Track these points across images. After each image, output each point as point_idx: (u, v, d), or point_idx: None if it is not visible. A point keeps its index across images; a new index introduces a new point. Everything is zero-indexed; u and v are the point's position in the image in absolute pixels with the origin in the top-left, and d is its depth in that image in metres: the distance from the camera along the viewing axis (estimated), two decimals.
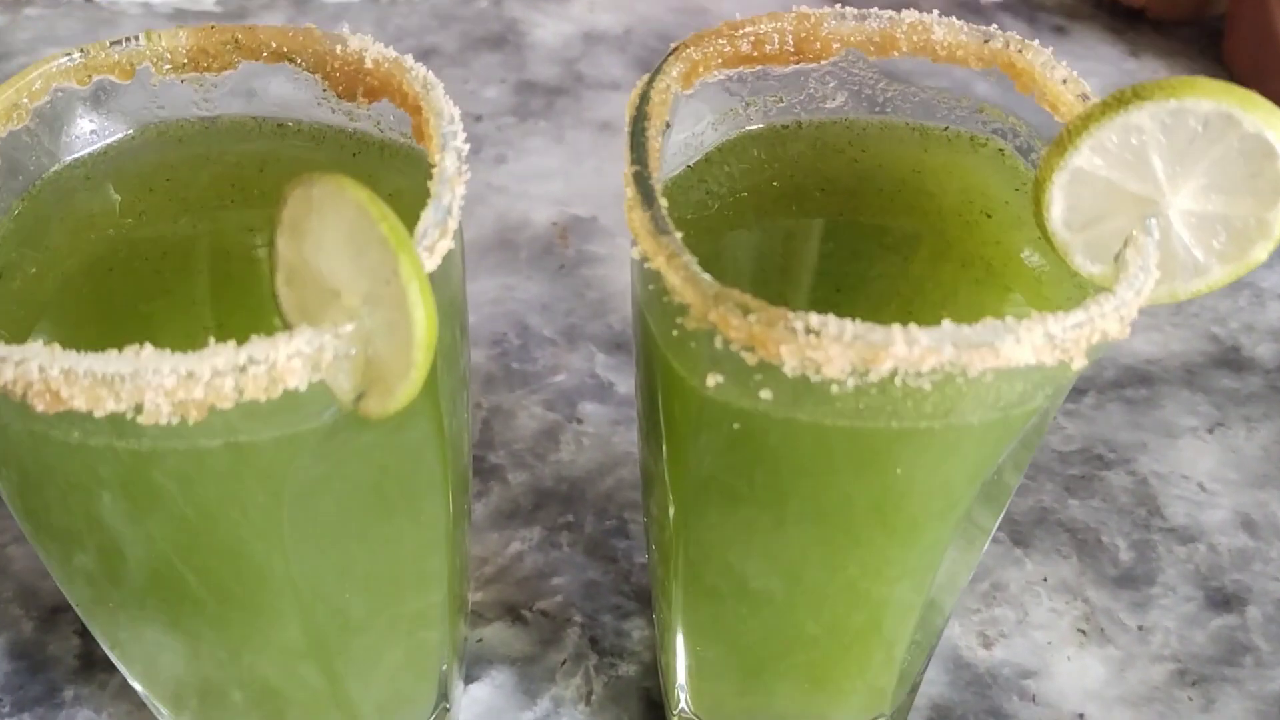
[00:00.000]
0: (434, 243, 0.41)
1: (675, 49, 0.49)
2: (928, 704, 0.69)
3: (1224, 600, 0.75)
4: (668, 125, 0.49)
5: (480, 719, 0.69)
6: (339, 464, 0.43)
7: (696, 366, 0.42)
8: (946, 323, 0.39)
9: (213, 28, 0.49)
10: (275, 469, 0.42)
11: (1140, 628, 0.73)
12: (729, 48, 0.50)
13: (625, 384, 0.86)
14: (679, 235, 0.42)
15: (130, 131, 0.51)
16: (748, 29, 0.50)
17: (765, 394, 0.41)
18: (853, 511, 0.47)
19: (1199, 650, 0.72)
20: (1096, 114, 0.42)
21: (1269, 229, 0.43)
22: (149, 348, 0.37)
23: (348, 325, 0.39)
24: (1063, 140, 0.43)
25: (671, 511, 0.50)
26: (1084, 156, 0.42)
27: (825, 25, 0.51)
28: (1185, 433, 0.85)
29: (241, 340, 0.37)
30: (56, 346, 0.37)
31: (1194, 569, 0.76)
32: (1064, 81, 0.49)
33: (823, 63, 0.52)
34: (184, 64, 0.49)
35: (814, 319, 0.39)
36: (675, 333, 0.42)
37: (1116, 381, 0.88)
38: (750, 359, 0.40)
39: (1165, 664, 0.71)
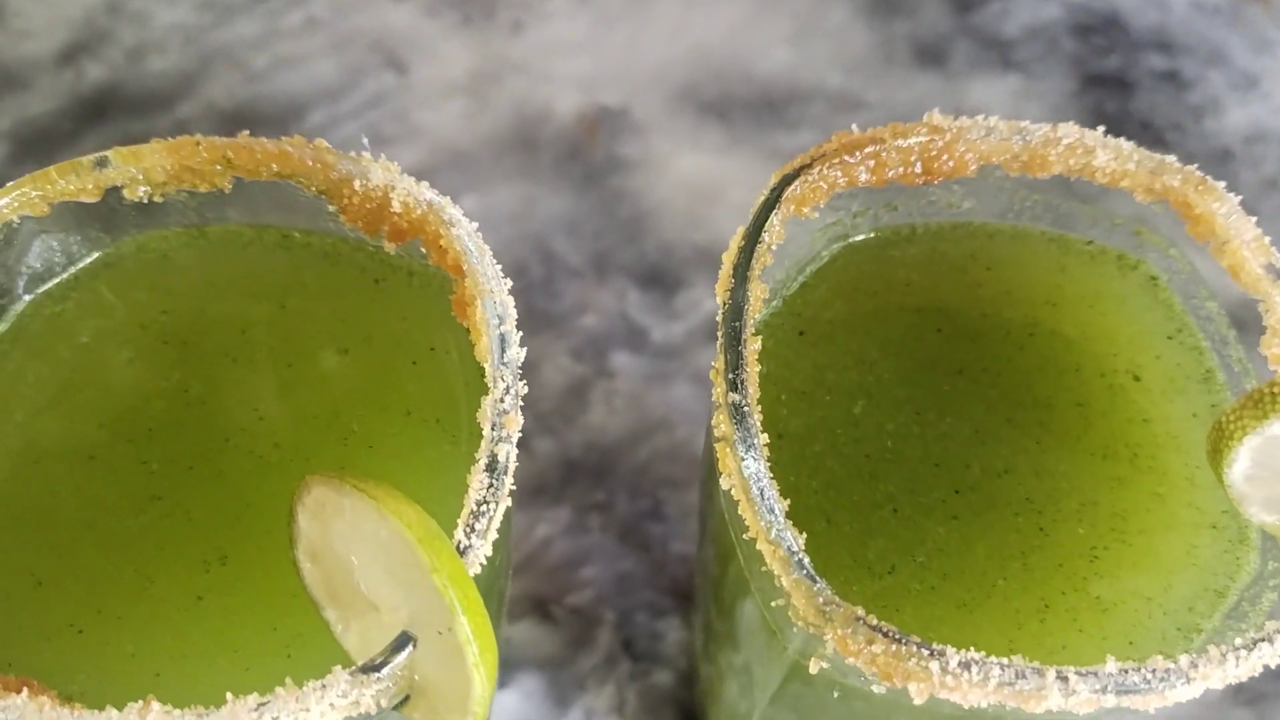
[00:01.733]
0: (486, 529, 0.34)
1: (776, 194, 0.39)
2: None
3: None
4: (766, 269, 0.40)
5: None
6: None
7: (804, 649, 0.36)
8: (1111, 664, 0.33)
9: (198, 142, 0.38)
10: None
11: None
12: (842, 177, 0.40)
13: (660, 329, 0.79)
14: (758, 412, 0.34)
15: (99, 254, 0.41)
16: (868, 150, 0.40)
17: (878, 689, 0.35)
18: None
19: None
20: None
21: None
22: (155, 709, 0.31)
23: (393, 663, 0.32)
24: (1264, 402, 0.35)
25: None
26: None
27: (962, 143, 0.41)
28: None
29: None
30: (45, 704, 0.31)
31: None
32: (1251, 243, 0.39)
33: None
34: (163, 183, 0.39)
35: (953, 659, 0.32)
36: (776, 603, 0.36)
37: None
38: (868, 670, 0.34)
39: None
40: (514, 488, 0.36)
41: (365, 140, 0.39)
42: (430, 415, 0.39)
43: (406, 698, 0.34)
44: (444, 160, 0.83)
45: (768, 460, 0.35)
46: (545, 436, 0.75)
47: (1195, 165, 0.40)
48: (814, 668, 0.35)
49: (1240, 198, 0.40)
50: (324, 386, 0.40)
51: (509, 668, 0.68)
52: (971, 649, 0.36)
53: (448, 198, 0.39)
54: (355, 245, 0.42)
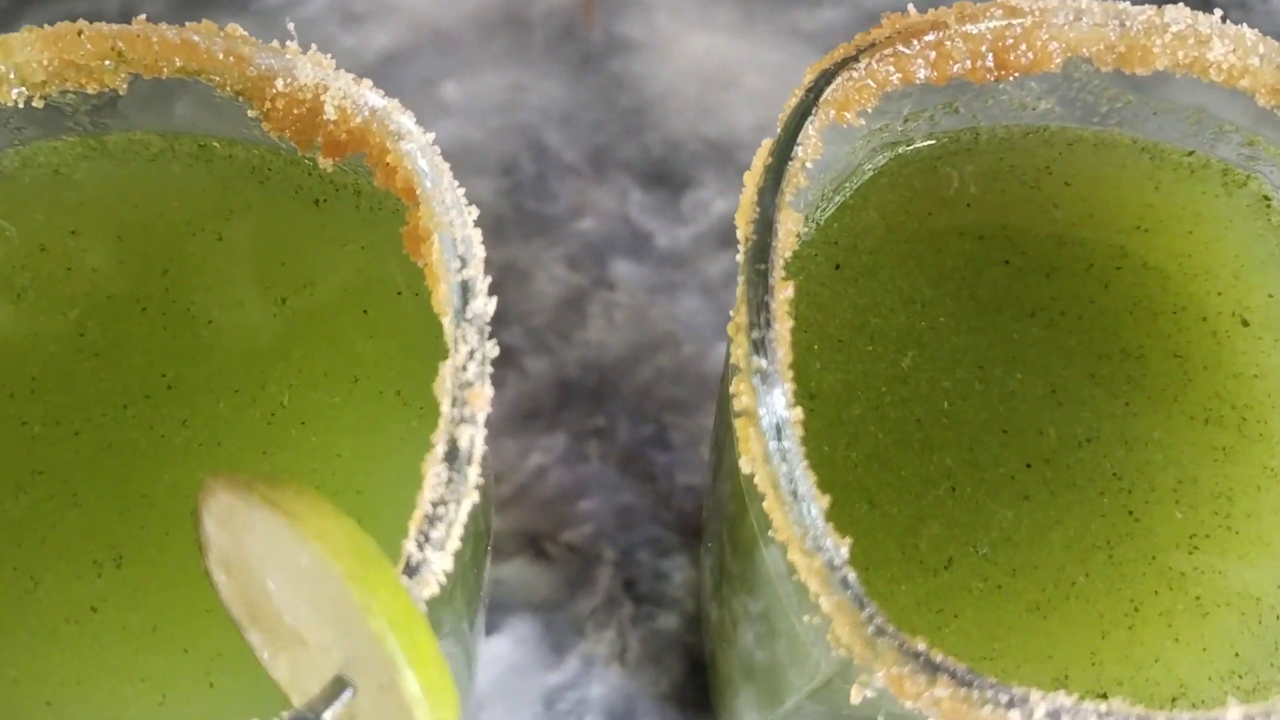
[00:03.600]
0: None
1: (813, 96, 0.31)
2: None
3: None
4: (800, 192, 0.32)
5: (501, 681, 0.61)
6: None
7: (843, 673, 0.29)
8: (1233, 710, 0.26)
9: (80, 31, 0.30)
10: None
11: None
12: (895, 73, 0.32)
13: (665, 233, 0.71)
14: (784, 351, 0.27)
15: None
16: (928, 38, 0.32)
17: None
18: None
19: None
20: None
21: None
22: None
23: (326, 715, 0.25)
24: None
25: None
26: None
27: (1046, 29, 0.32)
28: None
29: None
30: None
31: None
32: None
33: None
34: (42, 83, 0.31)
35: (1039, 707, 0.26)
36: (810, 619, 0.29)
37: None
38: (927, 715, 0.27)
39: None
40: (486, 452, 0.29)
41: (291, 26, 0.31)
42: (384, 383, 0.32)
43: None
44: (423, 41, 0.74)
45: (801, 441, 0.28)
46: (538, 355, 0.67)
47: None
48: (856, 697, 0.29)
49: None
50: (251, 345, 0.32)
51: (499, 611, 0.62)
52: (1048, 660, 0.29)
53: (395, 101, 0.31)
54: (289, 158, 0.34)
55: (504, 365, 0.67)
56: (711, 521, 0.48)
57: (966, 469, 0.33)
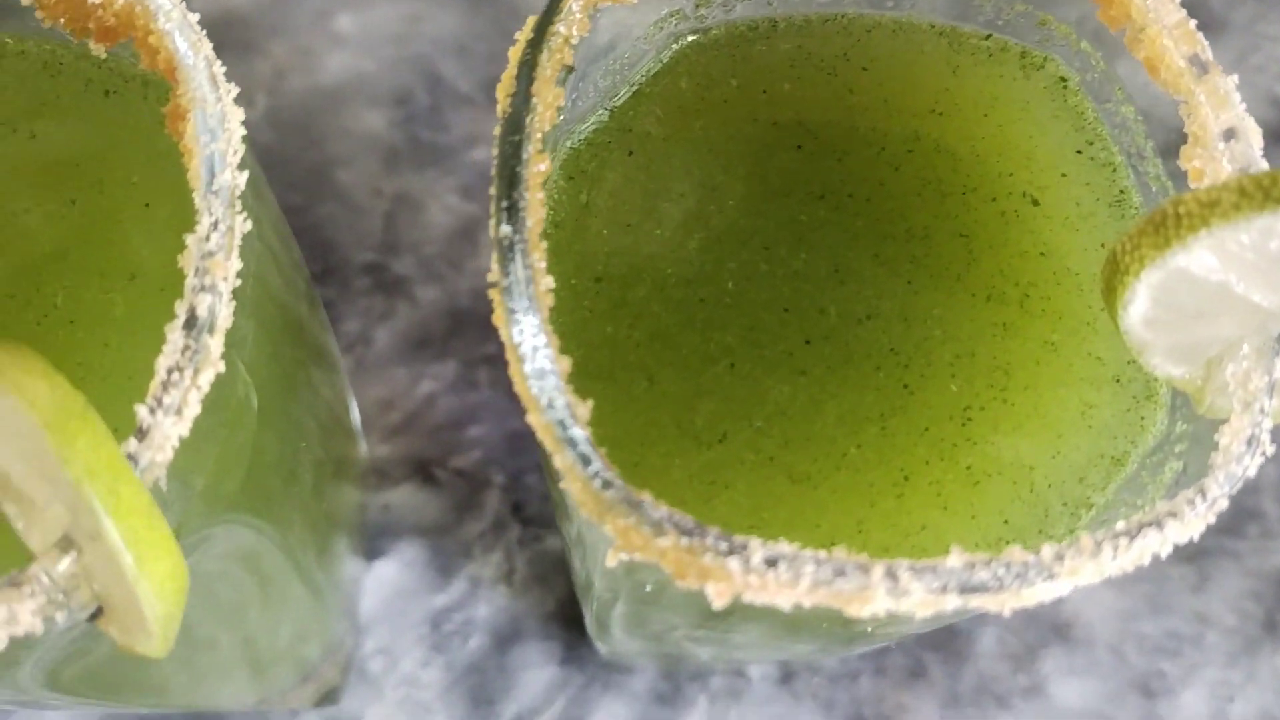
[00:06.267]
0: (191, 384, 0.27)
1: None
2: None
3: None
4: (568, 70, 0.32)
5: (387, 604, 0.61)
6: None
7: (597, 541, 0.30)
8: (954, 556, 0.26)
9: None
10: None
11: None
12: None
13: None
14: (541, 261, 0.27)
15: None
16: None
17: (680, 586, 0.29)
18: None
19: None
20: (1227, 206, 0.26)
21: None
22: None
23: (48, 572, 0.25)
24: (1164, 229, 0.27)
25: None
26: (1194, 257, 0.27)
27: None
28: None
29: None
30: None
31: None
32: (1174, 29, 0.32)
33: None
34: None
35: (757, 554, 0.26)
36: (563, 484, 0.29)
37: None
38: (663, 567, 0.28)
39: None
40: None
41: None
42: (162, 279, 0.32)
43: (99, 609, 0.28)
44: None
45: (551, 310, 0.28)
46: (430, 284, 0.67)
47: None
48: (611, 560, 0.29)
49: None
50: (34, 249, 0.32)
51: (387, 536, 0.62)
52: (815, 529, 0.29)
53: None
54: (79, 52, 0.34)
55: (395, 294, 0.67)
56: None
57: (747, 346, 0.33)
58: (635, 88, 0.35)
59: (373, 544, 0.62)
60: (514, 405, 0.65)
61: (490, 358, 0.66)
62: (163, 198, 0.33)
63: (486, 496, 0.63)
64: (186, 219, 0.33)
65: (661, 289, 0.34)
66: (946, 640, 0.61)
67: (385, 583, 0.62)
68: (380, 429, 0.64)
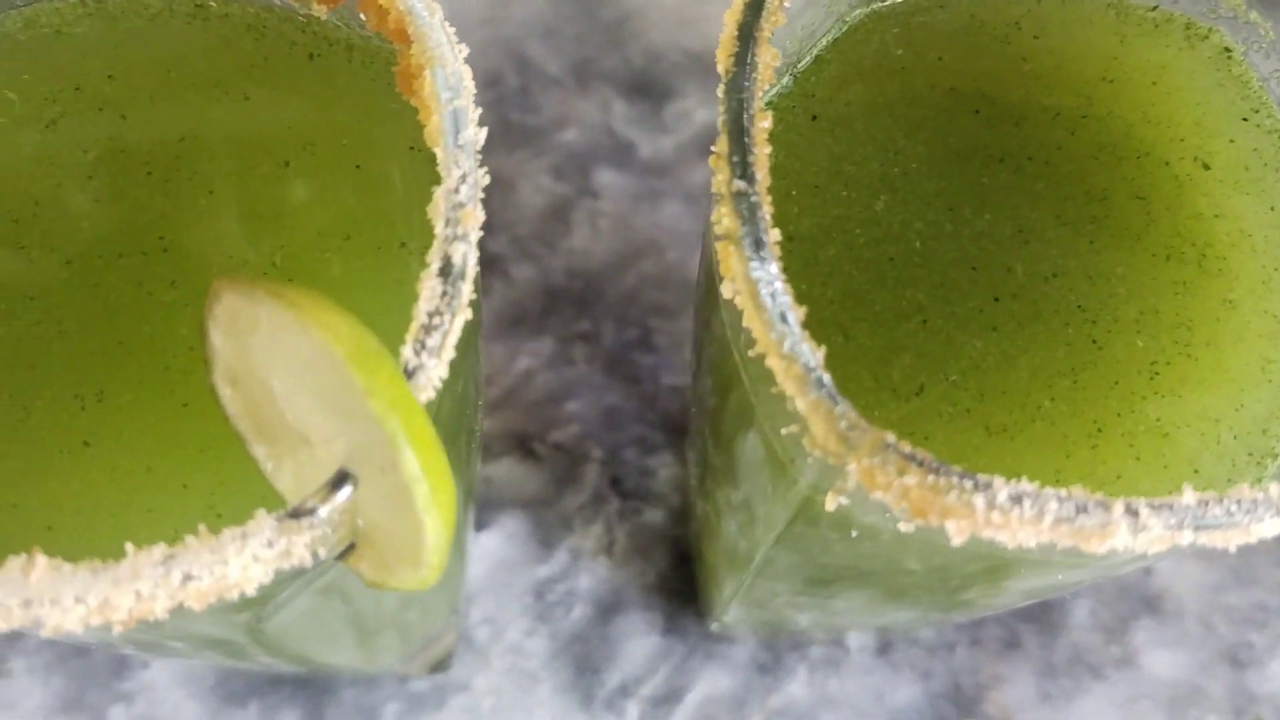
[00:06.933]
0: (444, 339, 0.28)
1: None
2: None
3: None
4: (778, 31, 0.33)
5: (493, 574, 0.62)
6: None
7: (819, 482, 0.31)
8: (1188, 494, 0.27)
9: None
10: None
11: None
12: None
13: (648, 143, 0.72)
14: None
15: None
16: None
17: (906, 528, 0.30)
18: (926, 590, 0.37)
19: None
20: None
21: None
22: (41, 564, 0.25)
23: (328, 506, 0.26)
24: None
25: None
26: None
27: None
28: None
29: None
30: None
31: None
32: None
33: None
34: None
35: (1002, 491, 0.27)
36: (788, 430, 0.30)
37: None
38: (897, 507, 0.29)
39: None
40: (475, 307, 0.30)
41: None
42: (379, 237, 0.33)
43: (351, 546, 0.29)
44: None
45: (779, 261, 0.29)
46: (524, 262, 0.68)
47: None
48: (831, 504, 0.30)
49: None
50: (249, 210, 0.33)
51: (489, 508, 0.63)
52: (1014, 479, 0.30)
53: None
54: (283, 14, 0.35)
55: (491, 273, 0.68)
56: (695, 419, 0.50)
57: (937, 303, 0.34)
58: (818, 54, 0.37)
59: (477, 516, 0.63)
60: (610, 381, 0.66)
61: (585, 334, 0.67)
62: (374, 159, 0.34)
63: (585, 470, 0.64)
64: (396, 180, 0.34)
65: (851, 248, 0.35)
66: (1040, 612, 0.62)
67: (489, 554, 0.62)
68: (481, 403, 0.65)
